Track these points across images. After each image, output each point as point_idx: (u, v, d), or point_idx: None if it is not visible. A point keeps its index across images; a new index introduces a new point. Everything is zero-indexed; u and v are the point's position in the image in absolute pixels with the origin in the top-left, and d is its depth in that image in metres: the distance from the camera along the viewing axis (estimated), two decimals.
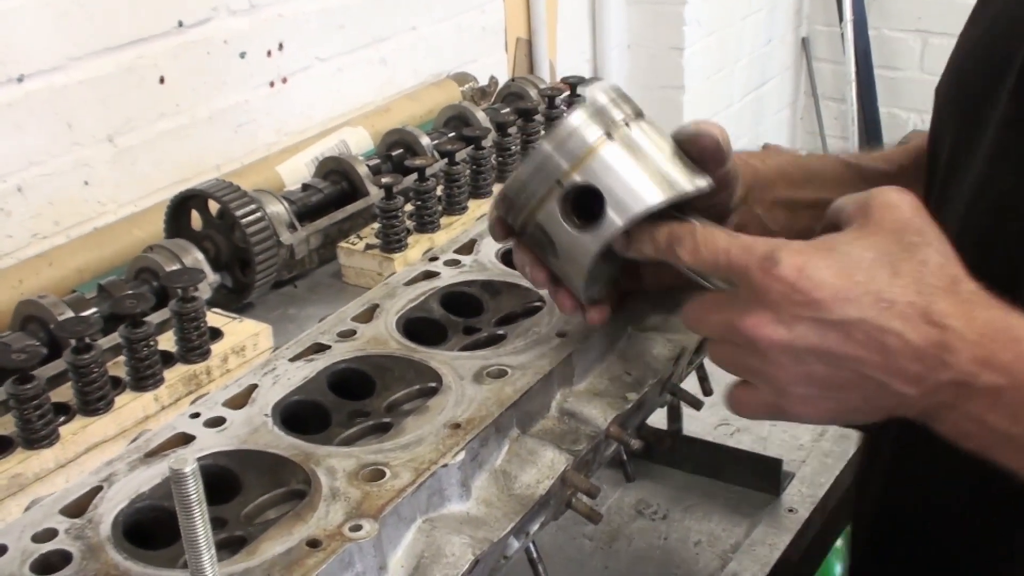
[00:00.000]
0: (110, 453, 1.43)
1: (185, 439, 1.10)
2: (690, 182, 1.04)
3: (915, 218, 0.92)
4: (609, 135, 1.02)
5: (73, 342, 1.53)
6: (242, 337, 1.76)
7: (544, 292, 1.24)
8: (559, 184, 1.03)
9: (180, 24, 2.23)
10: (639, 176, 1.02)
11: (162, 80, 2.22)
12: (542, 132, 2.42)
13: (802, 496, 1.58)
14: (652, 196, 1.01)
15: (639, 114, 1.06)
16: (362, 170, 2.24)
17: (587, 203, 1.03)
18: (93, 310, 1.74)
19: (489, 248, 1.43)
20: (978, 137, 1.05)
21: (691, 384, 1.40)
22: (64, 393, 1.58)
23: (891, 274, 0.88)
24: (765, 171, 1.20)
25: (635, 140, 1.03)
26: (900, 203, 0.93)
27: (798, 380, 0.91)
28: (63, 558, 0.96)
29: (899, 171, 1.24)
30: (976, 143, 1.05)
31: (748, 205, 1.18)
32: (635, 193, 1.01)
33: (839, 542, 1.92)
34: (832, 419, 0.95)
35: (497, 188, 2.27)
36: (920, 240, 0.90)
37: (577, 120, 1.03)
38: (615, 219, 1.01)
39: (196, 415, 1.13)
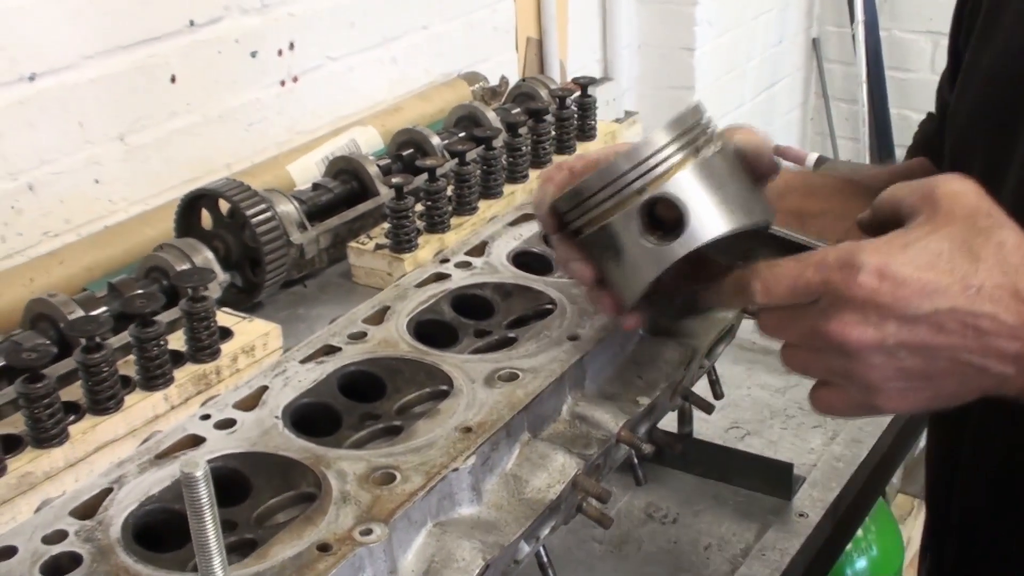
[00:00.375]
0: (120, 452, 1.44)
1: (195, 441, 1.10)
2: (764, 212, 1.04)
3: (982, 202, 0.92)
4: (696, 153, 1.02)
5: (83, 341, 1.53)
6: (252, 337, 1.76)
7: (566, 287, 1.25)
8: (640, 193, 1.01)
9: (191, 23, 2.22)
10: (721, 199, 1.01)
11: (173, 79, 2.22)
12: (552, 132, 2.41)
13: (813, 500, 1.57)
14: (731, 221, 1.01)
15: (718, 136, 1.06)
16: (372, 170, 2.24)
17: (659, 217, 1.02)
18: (103, 309, 1.74)
19: (501, 250, 1.42)
20: (1014, 145, 1.05)
21: (702, 388, 1.40)
22: (74, 392, 1.58)
23: (973, 259, 0.89)
24: (779, 182, 1.20)
25: (718, 163, 1.03)
26: (965, 189, 0.92)
27: (893, 376, 0.92)
28: (73, 560, 0.95)
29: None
30: (1013, 152, 1.06)
31: None
32: (716, 215, 1.00)
33: (849, 547, 1.91)
34: (927, 407, 0.96)
35: (508, 188, 2.26)
36: (993, 223, 0.90)
37: (667, 136, 1.01)
38: (693, 238, 1.00)
39: (206, 417, 1.13)
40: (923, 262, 0.89)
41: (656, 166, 1.01)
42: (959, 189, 0.92)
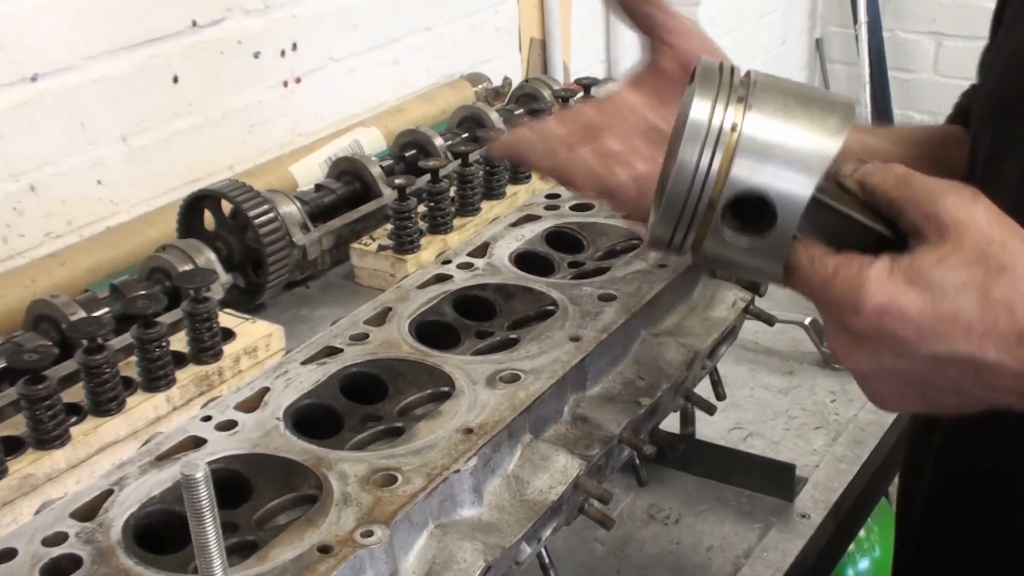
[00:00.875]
0: (121, 454, 1.44)
1: (196, 443, 1.10)
2: (837, 129, 0.90)
3: (995, 228, 0.86)
4: (738, 125, 0.89)
5: (85, 342, 1.53)
6: (254, 338, 1.76)
7: (567, 289, 1.24)
8: (712, 208, 0.90)
9: (194, 24, 2.23)
10: (793, 152, 0.89)
11: (176, 80, 2.22)
12: None
13: (815, 501, 1.57)
14: (814, 169, 0.89)
15: (748, 77, 0.93)
16: (375, 171, 2.24)
17: (747, 207, 0.91)
18: (105, 310, 1.74)
19: (503, 251, 1.42)
20: (1020, 130, 1.04)
21: (704, 388, 1.40)
22: (76, 393, 1.58)
23: (981, 301, 0.84)
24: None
25: (765, 119, 0.90)
26: (975, 214, 0.86)
27: (890, 393, 0.91)
28: (73, 562, 0.95)
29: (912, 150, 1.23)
30: (1019, 137, 1.04)
31: None
32: (798, 175, 0.89)
33: (851, 547, 1.91)
34: (929, 412, 0.96)
35: (510, 189, 2.26)
36: (1006, 257, 0.85)
37: (701, 125, 0.90)
38: (789, 213, 0.89)
39: (208, 418, 1.13)
40: (927, 301, 0.84)
41: (708, 168, 0.89)
42: (969, 215, 0.86)
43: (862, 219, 0.91)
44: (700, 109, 0.90)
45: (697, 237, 0.92)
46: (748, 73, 0.93)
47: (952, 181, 0.89)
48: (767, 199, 0.89)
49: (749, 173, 0.89)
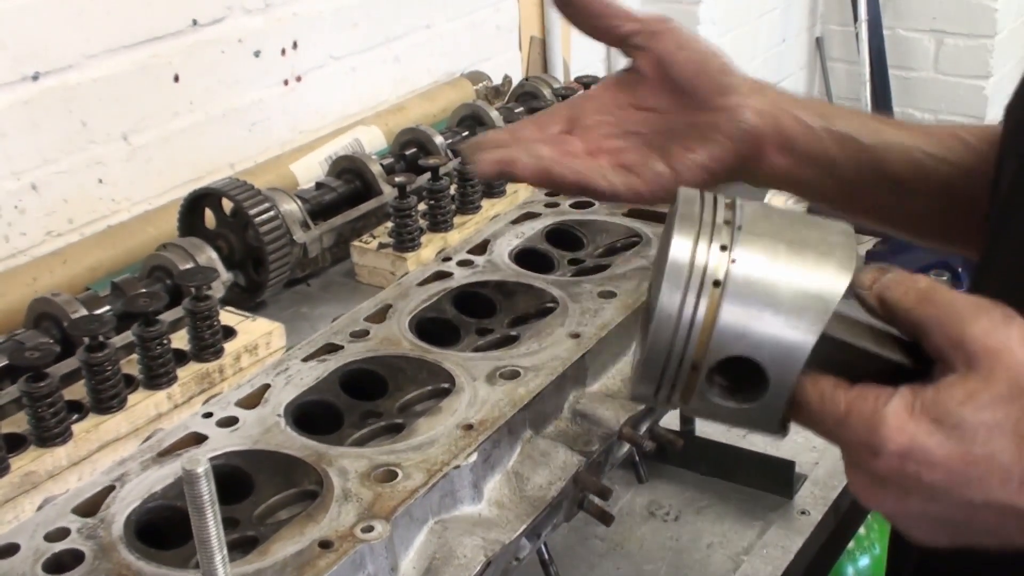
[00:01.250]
0: (123, 451, 1.44)
1: (197, 439, 1.10)
2: (838, 274, 0.80)
3: None
4: (725, 275, 0.79)
5: (86, 340, 1.53)
6: (255, 336, 1.76)
7: (567, 286, 1.24)
8: (696, 370, 0.80)
9: (195, 23, 2.23)
10: (785, 304, 0.79)
11: (176, 78, 2.22)
12: None
13: (815, 498, 1.58)
14: (810, 327, 0.79)
15: (733, 215, 0.82)
16: (375, 169, 2.24)
17: (735, 368, 0.81)
18: (106, 308, 1.74)
19: (502, 248, 1.43)
20: None
21: None
22: (77, 391, 1.58)
23: (1018, 443, 0.75)
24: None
25: (752, 267, 0.80)
26: (1009, 341, 0.77)
27: (920, 528, 0.82)
28: (75, 557, 0.96)
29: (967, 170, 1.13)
30: None
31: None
32: (790, 333, 0.79)
33: (851, 544, 1.91)
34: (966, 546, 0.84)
35: (511, 187, 2.26)
36: None
37: (680, 279, 0.79)
38: (783, 378, 0.79)
39: (209, 415, 1.13)
40: (956, 444, 0.75)
41: (690, 329, 0.79)
42: (1002, 342, 0.77)
43: (876, 351, 0.82)
44: (680, 251, 0.80)
45: (682, 398, 0.82)
46: (734, 208, 0.83)
47: (981, 300, 0.80)
48: (756, 364, 0.79)
49: (734, 339, 0.79)
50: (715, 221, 0.81)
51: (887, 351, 0.81)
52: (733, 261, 0.79)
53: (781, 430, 0.83)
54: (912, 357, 0.81)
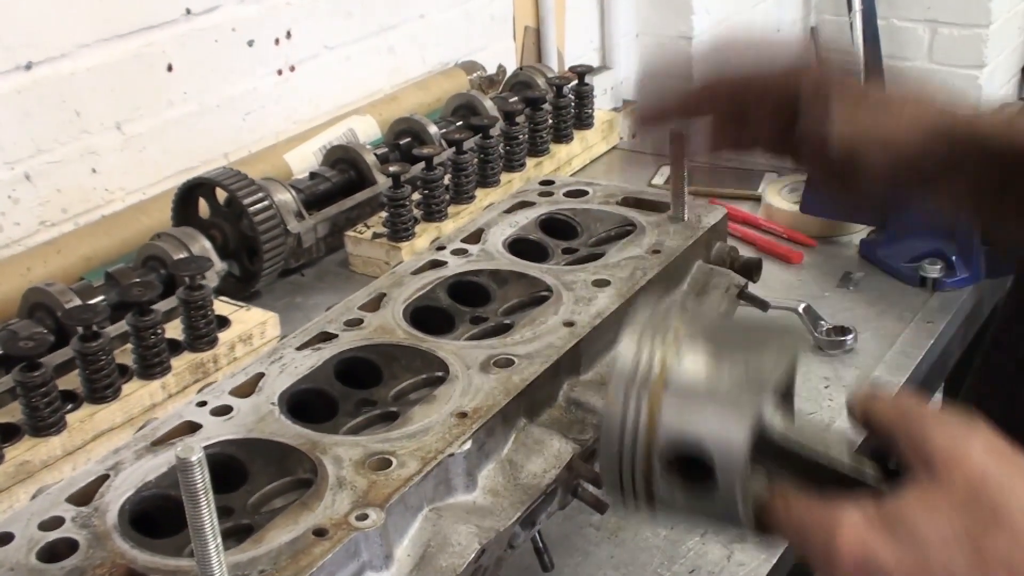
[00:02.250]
0: (117, 441, 1.44)
1: (192, 427, 1.10)
2: (770, 373, 0.85)
3: (990, 466, 0.77)
4: (664, 382, 0.83)
5: (80, 330, 1.53)
6: (249, 325, 1.76)
7: (561, 274, 1.23)
8: (648, 464, 0.84)
9: (188, 11, 2.22)
10: (725, 397, 0.83)
11: (170, 68, 2.22)
12: (549, 121, 2.41)
13: None
14: (745, 414, 0.82)
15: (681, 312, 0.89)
16: (370, 159, 2.24)
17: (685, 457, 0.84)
18: (100, 298, 1.74)
19: (496, 237, 1.43)
20: None
21: None
22: (71, 381, 1.58)
23: (975, 557, 0.74)
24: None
25: (691, 366, 0.84)
26: (969, 450, 0.77)
27: None
28: (69, 546, 0.96)
29: None
30: None
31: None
32: (730, 420, 0.82)
33: None
34: None
35: (505, 177, 2.26)
36: (1002, 500, 0.75)
37: (621, 387, 0.84)
38: (729, 466, 0.82)
39: (203, 403, 1.13)
40: (910, 555, 0.75)
41: (636, 432, 0.83)
42: (961, 452, 0.77)
43: (828, 462, 0.84)
44: (625, 354, 0.85)
45: (647, 500, 0.86)
46: (680, 313, 0.88)
47: (951, 410, 0.81)
48: (701, 457, 0.82)
49: (677, 434, 0.83)
50: (665, 326, 0.86)
51: (846, 465, 0.83)
52: (669, 368, 0.84)
53: (755, 530, 0.86)
54: (884, 472, 0.83)
